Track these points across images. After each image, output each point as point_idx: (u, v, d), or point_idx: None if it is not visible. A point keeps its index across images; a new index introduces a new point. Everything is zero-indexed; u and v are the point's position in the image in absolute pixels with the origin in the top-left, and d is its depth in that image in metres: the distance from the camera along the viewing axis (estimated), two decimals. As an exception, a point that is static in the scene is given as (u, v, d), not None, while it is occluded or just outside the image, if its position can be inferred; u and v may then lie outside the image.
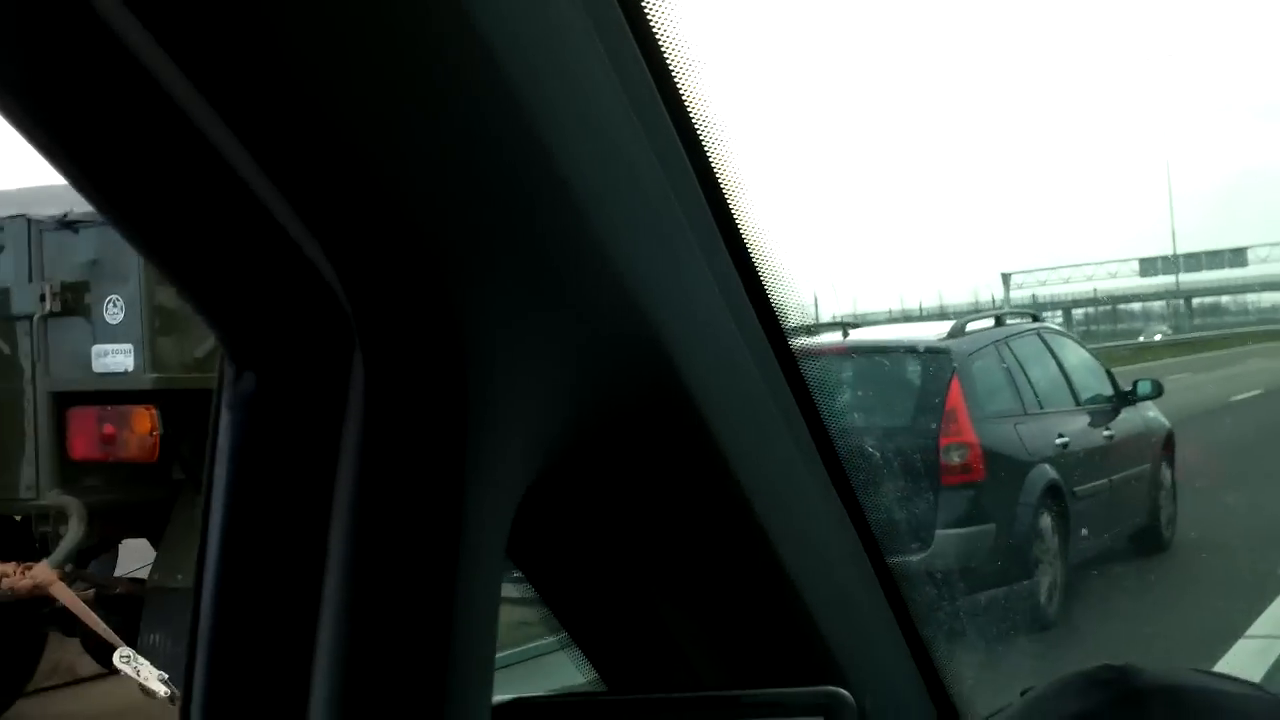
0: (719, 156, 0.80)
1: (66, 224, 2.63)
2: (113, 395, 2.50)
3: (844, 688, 0.82)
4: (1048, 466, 5.48)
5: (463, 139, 0.59)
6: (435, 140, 0.58)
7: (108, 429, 2.52)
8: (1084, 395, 6.31)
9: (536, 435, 0.67)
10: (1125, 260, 68.94)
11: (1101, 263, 70.55)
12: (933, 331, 6.37)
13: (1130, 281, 64.79)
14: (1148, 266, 65.62)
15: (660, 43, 0.72)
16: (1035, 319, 6.79)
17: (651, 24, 0.71)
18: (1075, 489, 5.63)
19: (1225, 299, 70.01)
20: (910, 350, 5.82)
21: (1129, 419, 6.50)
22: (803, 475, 0.92)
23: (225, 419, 0.63)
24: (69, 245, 2.64)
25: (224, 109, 0.53)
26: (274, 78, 0.52)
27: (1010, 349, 5.83)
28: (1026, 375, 5.81)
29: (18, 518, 2.91)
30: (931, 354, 5.49)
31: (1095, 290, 64.32)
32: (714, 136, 0.79)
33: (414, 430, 0.62)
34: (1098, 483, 5.87)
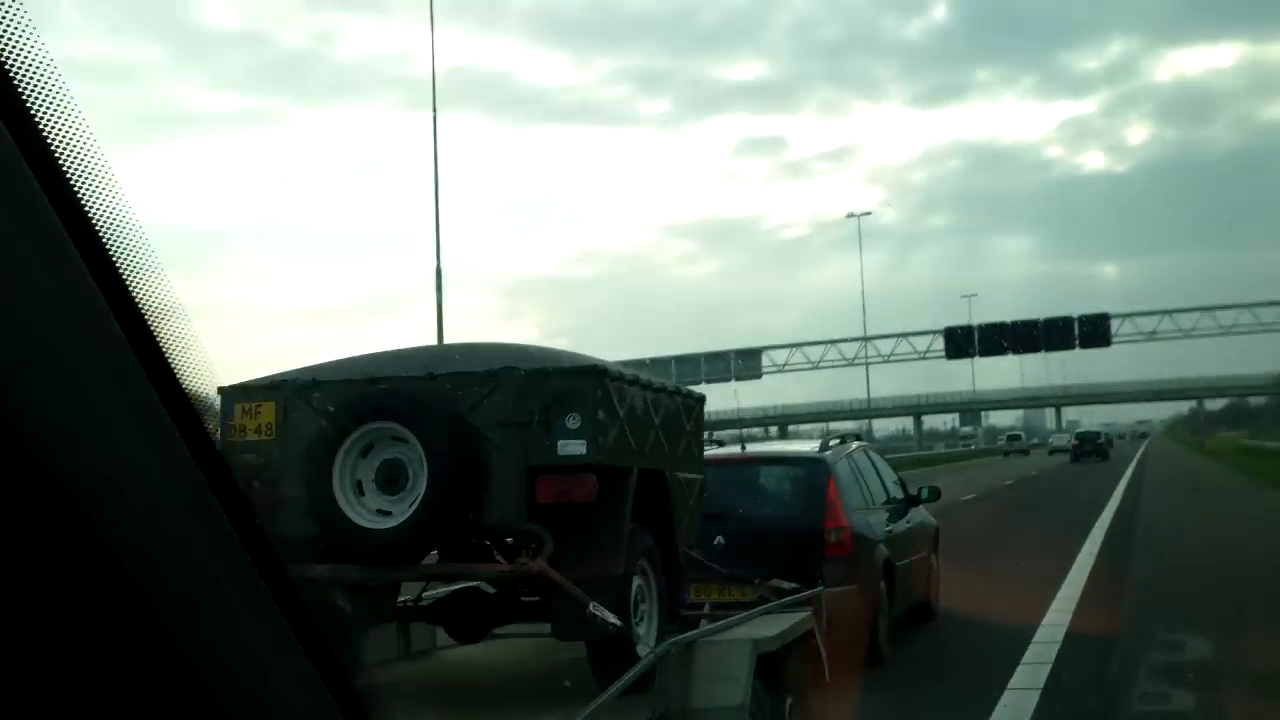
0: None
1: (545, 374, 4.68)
2: (568, 468, 4.61)
3: None
4: (883, 545, 7.87)
5: None
6: None
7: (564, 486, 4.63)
8: (892, 496, 8.82)
9: None
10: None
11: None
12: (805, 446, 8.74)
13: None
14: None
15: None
16: (858, 439, 9.37)
17: None
18: (895, 564, 8.05)
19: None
20: (794, 459, 8.17)
21: (915, 516, 9.02)
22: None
23: None
24: (544, 386, 4.62)
25: None
26: None
27: (854, 460, 8.26)
28: (864, 479, 8.24)
29: (509, 539, 4.84)
30: (812, 462, 7.83)
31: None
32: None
33: None
34: (904, 562, 8.26)
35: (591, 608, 4.30)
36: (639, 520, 4.77)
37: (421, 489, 4.89)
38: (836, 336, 73.98)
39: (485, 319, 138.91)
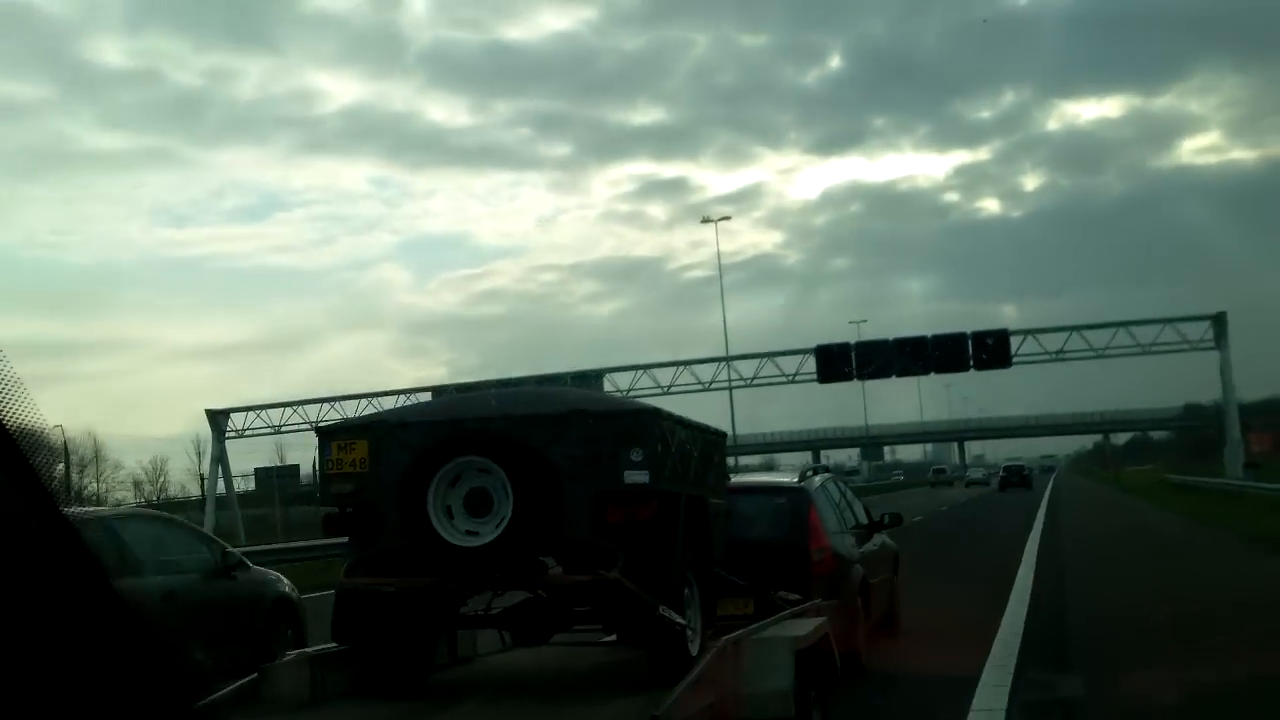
0: None
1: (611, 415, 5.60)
2: (633, 493, 5.54)
3: None
4: (859, 565, 8.91)
5: None
6: None
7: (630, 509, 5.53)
8: (859, 521, 9.88)
9: None
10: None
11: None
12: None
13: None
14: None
15: None
16: (828, 470, 10.39)
17: None
18: (870, 581, 9.10)
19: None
20: (777, 489, 9.24)
21: (878, 539, 10.10)
22: None
23: None
24: (611, 425, 5.54)
25: None
26: None
27: (828, 489, 9.33)
28: (837, 507, 9.32)
29: (582, 554, 5.82)
30: (794, 490, 8.84)
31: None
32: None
33: None
34: (875, 580, 9.33)
35: (661, 610, 5.29)
36: (685, 539, 6.15)
37: (506, 512, 5.65)
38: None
39: (392, 356, 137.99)
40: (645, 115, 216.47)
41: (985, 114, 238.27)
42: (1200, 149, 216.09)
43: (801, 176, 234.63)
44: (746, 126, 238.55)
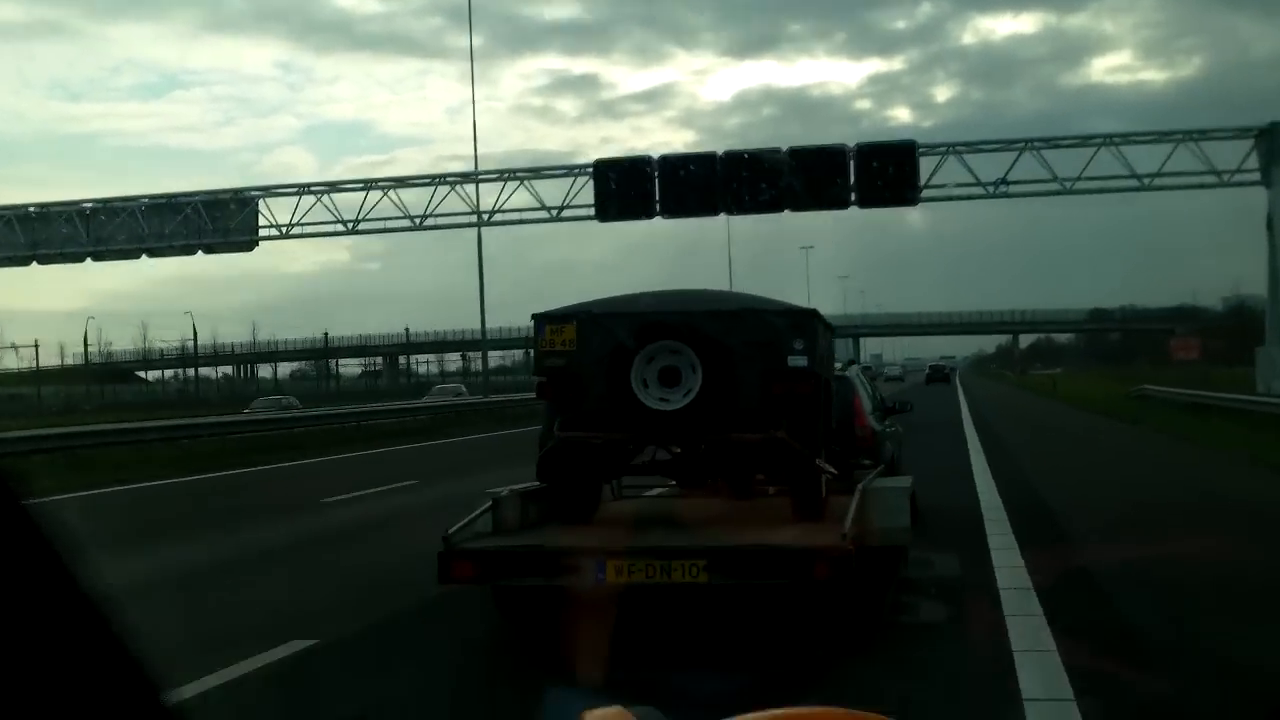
0: None
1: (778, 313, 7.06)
2: (795, 373, 6.90)
3: None
4: (889, 442, 10.83)
5: None
6: None
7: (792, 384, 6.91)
8: (878, 405, 11.81)
9: None
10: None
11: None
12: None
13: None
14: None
15: None
16: (856, 363, 12.44)
17: None
18: (895, 454, 11.12)
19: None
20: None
21: (890, 421, 12.06)
22: None
23: None
24: (778, 321, 6.95)
25: None
26: None
27: (861, 378, 11.21)
28: (868, 393, 11.23)
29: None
30: (840, 379, 10.65)
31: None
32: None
33: None
34: (896, 453, 11.22)
35: (819, 460, 7.09)
36: (824, 410, 7.59)
37: (695, 385, 7.09)
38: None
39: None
40: (558, 10, 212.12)
41: (901, 24, 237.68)
42: (1112, 68, 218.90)
43: (715, 79, 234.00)
44: (661, 26, 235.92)
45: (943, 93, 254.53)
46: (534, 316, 7.74)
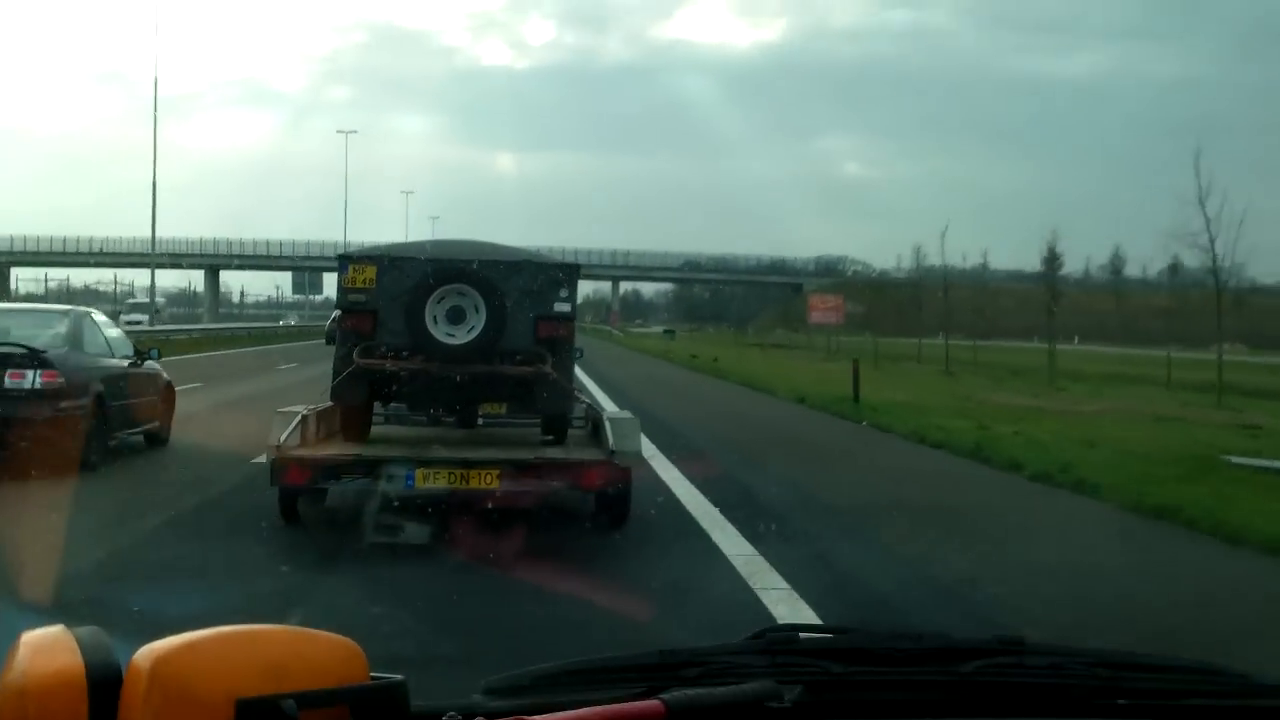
0: None
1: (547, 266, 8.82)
2: (558, 318, 8.63)
3: None
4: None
5: None
6: None
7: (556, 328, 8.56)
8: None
9: None
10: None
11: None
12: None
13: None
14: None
15: None
16: None
17: None
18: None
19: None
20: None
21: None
22: None
23: None
24: (547, 273, 8.47)
25: None
26: None
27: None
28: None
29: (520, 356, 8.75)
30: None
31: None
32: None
33: None
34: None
35: (577, 393, 8.45)
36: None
37: (478, 323, 8.51)
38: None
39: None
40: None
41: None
42: (698, 24, 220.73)
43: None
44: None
45: (538, 34, 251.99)
46: (338, 257, 9.23)
